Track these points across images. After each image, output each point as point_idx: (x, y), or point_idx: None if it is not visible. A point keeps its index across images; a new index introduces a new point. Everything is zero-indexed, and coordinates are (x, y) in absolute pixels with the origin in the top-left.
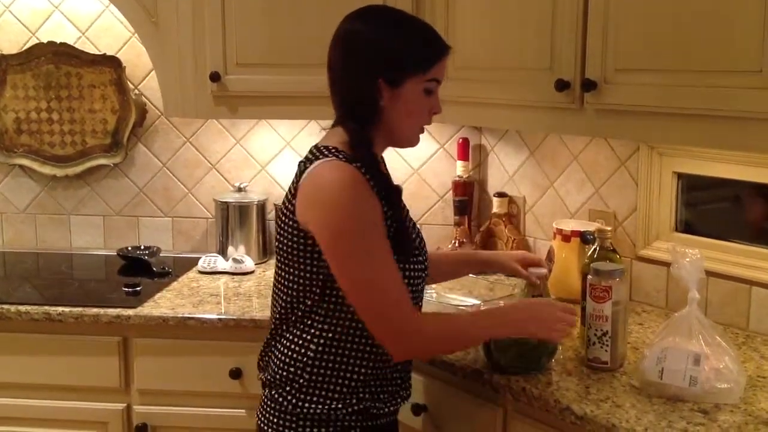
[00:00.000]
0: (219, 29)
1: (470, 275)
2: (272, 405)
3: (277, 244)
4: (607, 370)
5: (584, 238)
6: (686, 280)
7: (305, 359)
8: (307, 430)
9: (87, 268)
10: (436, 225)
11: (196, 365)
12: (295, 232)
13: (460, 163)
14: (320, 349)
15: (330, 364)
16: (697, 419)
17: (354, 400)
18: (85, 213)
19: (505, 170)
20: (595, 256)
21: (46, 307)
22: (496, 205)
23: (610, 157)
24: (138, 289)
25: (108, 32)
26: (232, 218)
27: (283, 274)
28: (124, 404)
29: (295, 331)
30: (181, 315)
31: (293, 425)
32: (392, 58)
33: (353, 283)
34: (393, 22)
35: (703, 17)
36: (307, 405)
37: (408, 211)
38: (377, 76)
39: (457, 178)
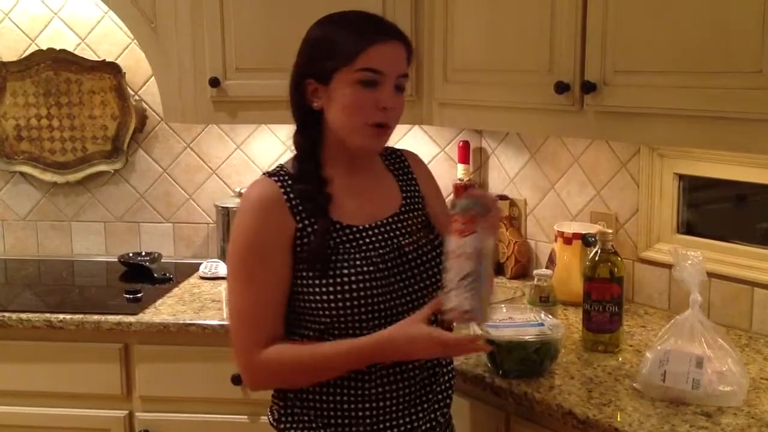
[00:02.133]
0: (218, 34)
1: None
2: (275, 399)
3: None
4: (472, 320)
5: (586, 240)
6: (688, 283)
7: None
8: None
9: (88, 275)
10: None
11: (197, 371)
12: None
13: (460, 166)
14: None
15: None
16: (700, 422)
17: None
18: (86, 219)
19: (506, 173)
20: (597, 258)
21: (47, 315)
22: None
23: (611, 159)
24: (139, 295)
25: (107, 38)
26: (233, 223)
27: None
28: (126, 411)
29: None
30: (182, 321)
31: (291, 411)
32: (318, 53)
33: (228, 305)
34: (330, 19)
35: (702, 18)
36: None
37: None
38: (306, 76)
39: (458, 181)
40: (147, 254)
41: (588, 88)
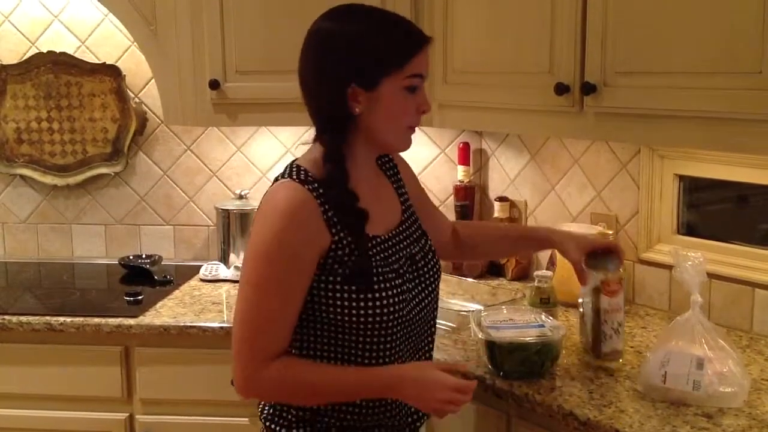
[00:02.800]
0: (218, 37)
1: (472, 280)
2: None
3: None
4: (617, 359)
5: None
6: (689, 284)
7: None
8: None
9: (88, 278)
10: None
11: (198, 374)
12: None
13: (461, 168)
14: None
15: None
16: (701, 423)
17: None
18: (87, 222)
19: (506, 174)
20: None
21: (48, 318)
22: (498, 210)
23: (611, 160)
24: (139, 297)
25: (107, 41)
26: (233, 226)
27: None
28: (127, 414)
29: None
30: (182, 323)
31: (283, 414)
32: (363, 59)
33: (236, 310)
34: (363, 18)
35: (702, 19)
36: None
37: (404, 228)
38: (349, 82)
39: (459, 183)
40: (147, 257)
41: (588, 89)
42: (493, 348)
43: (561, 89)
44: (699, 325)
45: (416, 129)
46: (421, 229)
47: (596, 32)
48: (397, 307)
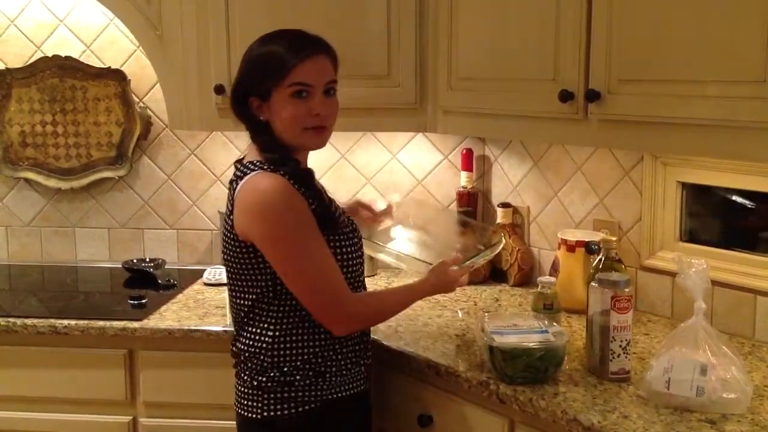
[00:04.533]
0: (223, 42)
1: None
2: (239, 385)
3: (223, 255)
4: (627, 380)
5: (589, 248)
6: (692, 291)
7: (264, 345)
8: (271, 403)
9: (92, 281)
10: None
11: (202, 377)
12: (238, 244)
13: (464, 174)
14: (276, 335)
15: (286, 345)
16: (705, 429)
17: (310, 373)
18: (90, 226)
19: (509, 180)
20: (601, 266)
21: (52, 320)
22: (501, 216)
23: (614, 167)
24: (143, 301)
25: (112, 46)
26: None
27: (235, 283)
28: (130, 417)
29: (252, 328)
30: (186, 327)
31: (257, 397)
32: (253, 74)
33: (297, 279)
34: (263, 40)
35: (706, 27)
36: (265, 380)
37: (327, 191)
38: (247, 95)
39: (461, 189)
40: (151, 260)
41: (592, 96)
42: (496, 353)
43: (565, 96)
44: (702, 331)
45: (423, 135)
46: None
47: (601, 40)
48: (352, 248)
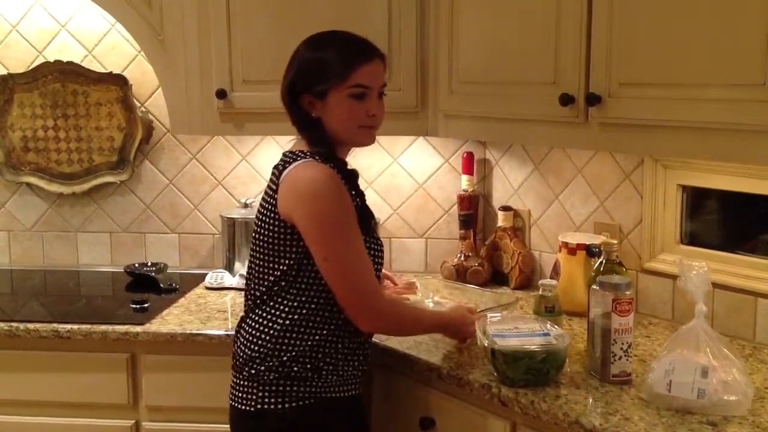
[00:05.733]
0: (225, 46)
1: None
2: (235, 377)
3: (255, 236)
4: (629, 382)
5: (590, 251)
6: (693, 293)
7: (271, 330)
8: (265, 396)
9: (94, 285)
10: (441, 239)
11: (204, 381)
12: (277, 223)
13: (464, 177)
14: (286, 323)
15: (292, 334)
16: (706, 431)
17: (308, 365)
18: (92, 230)
19: (510, 184)
20: (602, 269)
21: (55, 325)
22: (501, 219)
23: (614, 170)
24: (146, 305)
25: (114, 50)
26: (238, 234)
27: (260, 261)
28: (133, 421)
29: (262, 312)
30: (189, 331)
31: (252, 389)
32: (312, 75)
33: (335, 265)
34: (320, 41)
35: (707, 31)
36: (264, 369)
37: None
38: (302, 93)
39: (462, 192)
40: (153, 264)
41: (593, 100)
42: (498, 356)
43: (566, 100)
44: (703, 333)
45: (424, 139)
46: None
47: (601, 43)
48: (379, 252)
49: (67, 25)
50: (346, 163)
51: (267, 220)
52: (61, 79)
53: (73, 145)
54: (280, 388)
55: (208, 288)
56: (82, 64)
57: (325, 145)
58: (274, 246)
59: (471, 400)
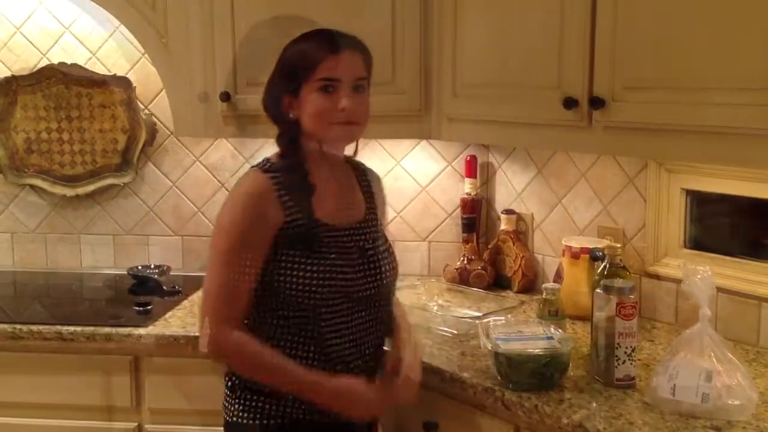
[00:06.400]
0: (229, 49)
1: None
2: (228, 389)
3: None
4: (632, 386)
5: (593, 255)
6: (697, 297)
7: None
8: (239, 410)
9: (97, 288)
10: (444, 242)
11: (207, 384)
12: None
13: (467, 181)
14: (269, 334)
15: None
16: None
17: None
18: (96, 232)
19: (513, 187)
20: (606, 273)
21: (58, 327)
22: (504, 223)
23: (618, 174)
24: (149, 308)
25: (118, 53)
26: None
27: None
28: (136, 423)
29: (249, 323)
30: (192, 334)
31: (231, 400)
32: (285, 73)
33: (206, 274)
34: (295, 40)
35: (711, 34)
36: (239, 382)
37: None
38: (282, 93)
39: (465, 196)
40: (156, 267)
41: (596, 103)
42: (501, 359)
43: (569, 103)
44: (707, 338)
45: (427, 142)
46: (384, 236)
47: (605, 46)
48: (334, 282)
49: (71, 27)
50: (306, 176)
51: None
52: (65, 81)
53: (77, 147)
54: (254, 403)
55: None
56: (86, 67)
57: (291, 151)
58: None
59: (474, 404)
